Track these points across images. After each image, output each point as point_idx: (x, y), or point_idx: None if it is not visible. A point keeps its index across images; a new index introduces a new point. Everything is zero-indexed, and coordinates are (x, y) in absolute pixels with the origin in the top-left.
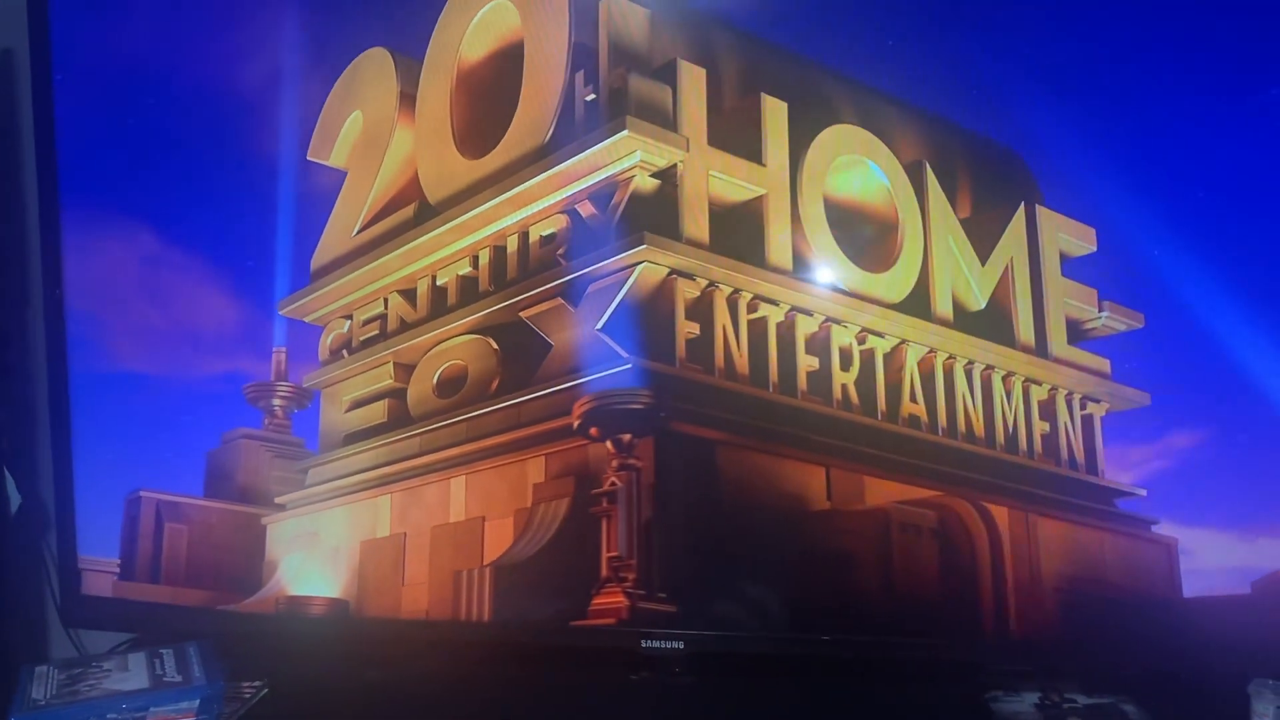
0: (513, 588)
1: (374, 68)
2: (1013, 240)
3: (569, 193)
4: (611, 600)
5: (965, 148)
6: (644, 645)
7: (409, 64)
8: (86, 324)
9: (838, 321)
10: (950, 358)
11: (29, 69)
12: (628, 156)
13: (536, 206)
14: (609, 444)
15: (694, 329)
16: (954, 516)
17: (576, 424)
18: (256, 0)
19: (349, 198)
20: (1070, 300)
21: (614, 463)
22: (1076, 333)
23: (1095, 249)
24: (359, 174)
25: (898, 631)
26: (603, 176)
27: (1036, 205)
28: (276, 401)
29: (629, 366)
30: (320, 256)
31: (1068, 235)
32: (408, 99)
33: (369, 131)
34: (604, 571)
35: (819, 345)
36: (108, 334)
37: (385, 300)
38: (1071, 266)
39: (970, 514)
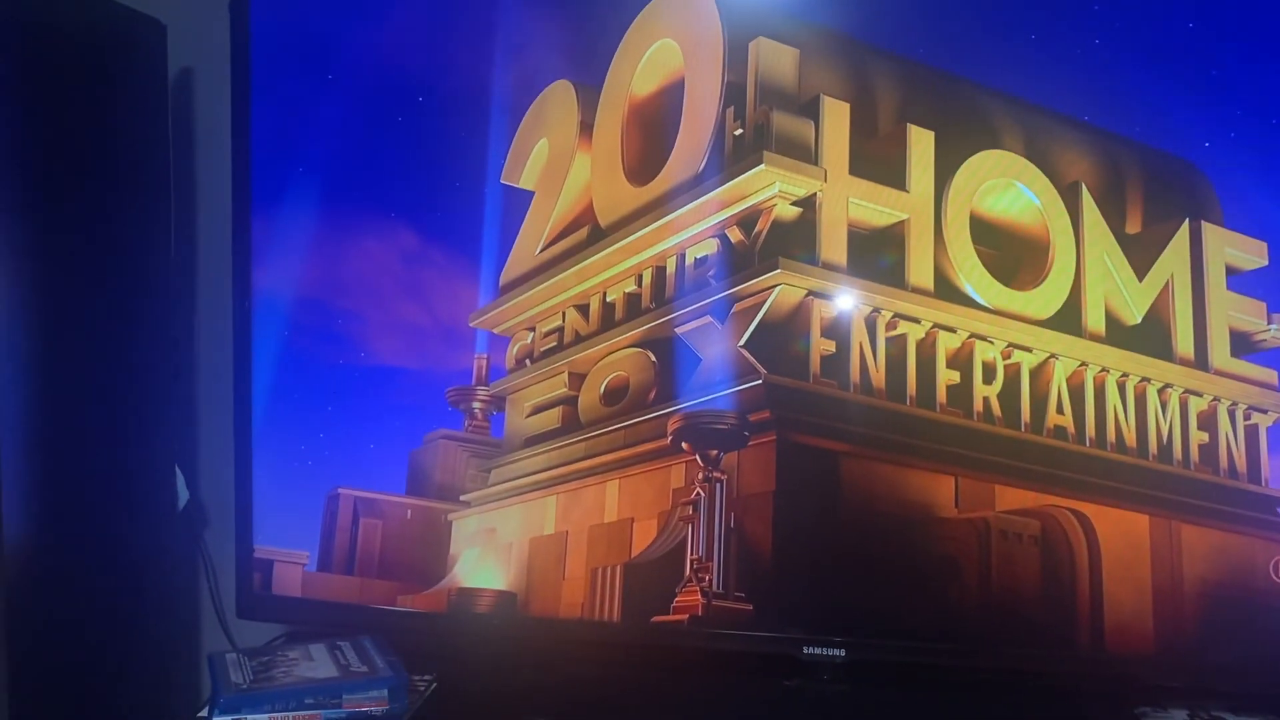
0: (640, 585)
1: (559, 98)
2: (1174, 256)
3: (718, 219)
4: (688, 599)
5: (1139, 162)
6: (805, 652)
7: (590, 95)
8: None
9: (982, 338)
10: (1102, 371)
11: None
12: (767, 187)
13: (691, 231)
14: (697, 458)
15: (829, 346)
16: (1055, 525)
17: (669, 440)
18: (462, 40)
19: (534, 218)
20: (1237, 313)
21: (699, 475)
22: (1245, 345)
23: (1267, 263)
24: (544, 196)
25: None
26: (746, 205)
27: (1202, 221)
28: (476, 405)
29: (760, 382)
30: (508, 272)
31: (1238, 250)
32: (587, 128)
33: (553, 157)
34: (686, 572)
35: (961, 360)
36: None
37: (563, 314)
38: (1244, 280)
39: (1070, 522)
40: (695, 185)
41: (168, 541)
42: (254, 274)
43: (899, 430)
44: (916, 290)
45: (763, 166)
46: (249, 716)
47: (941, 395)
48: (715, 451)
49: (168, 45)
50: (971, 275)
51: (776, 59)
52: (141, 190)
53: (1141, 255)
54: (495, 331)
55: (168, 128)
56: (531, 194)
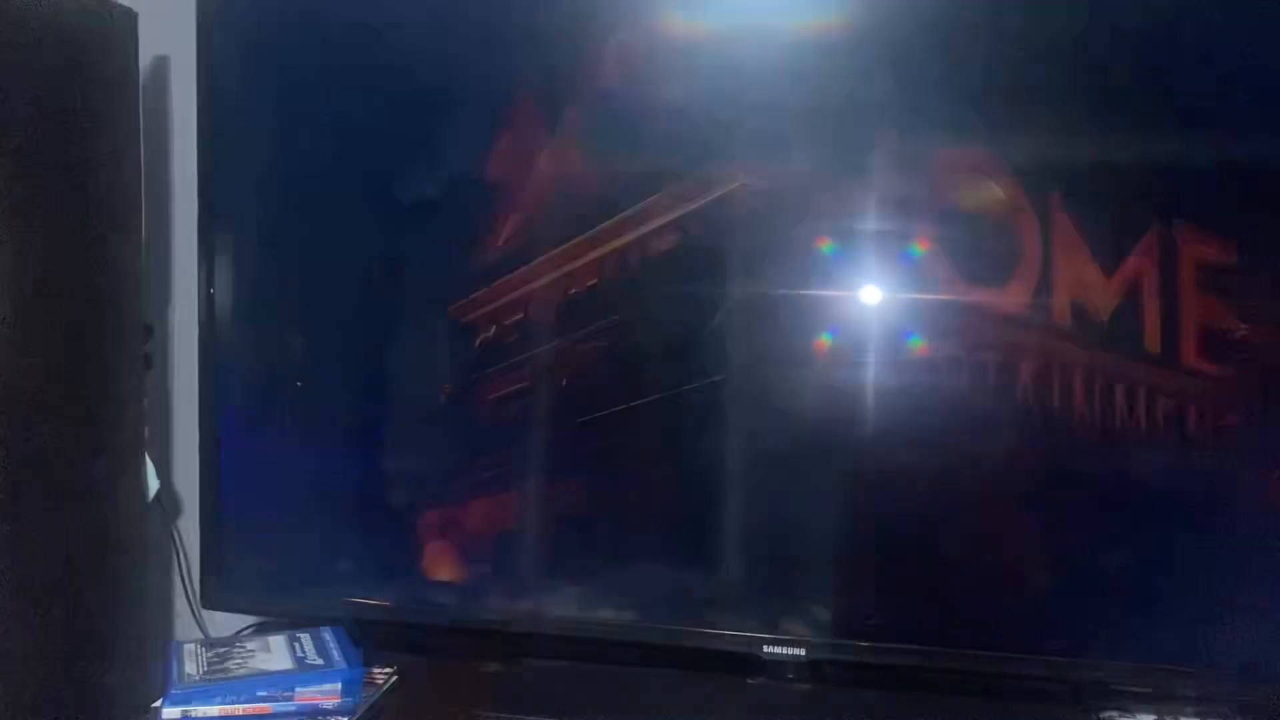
0: None
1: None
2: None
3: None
4: None
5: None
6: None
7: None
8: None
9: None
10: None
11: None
12: None
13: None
14: None
15: None
16: None
17: None
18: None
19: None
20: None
21: None
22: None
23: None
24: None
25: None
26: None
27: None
28: None
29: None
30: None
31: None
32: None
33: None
34: None
35: None
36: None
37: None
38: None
39: None
40: None
41: (139, 530)
42: (220, 262)
43: None
44: None
45: None
46: (199, 708)
47: None
48: None
49: (139, 33)
50: None
51: None
52: (113, 177)
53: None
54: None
55: (139, 115)
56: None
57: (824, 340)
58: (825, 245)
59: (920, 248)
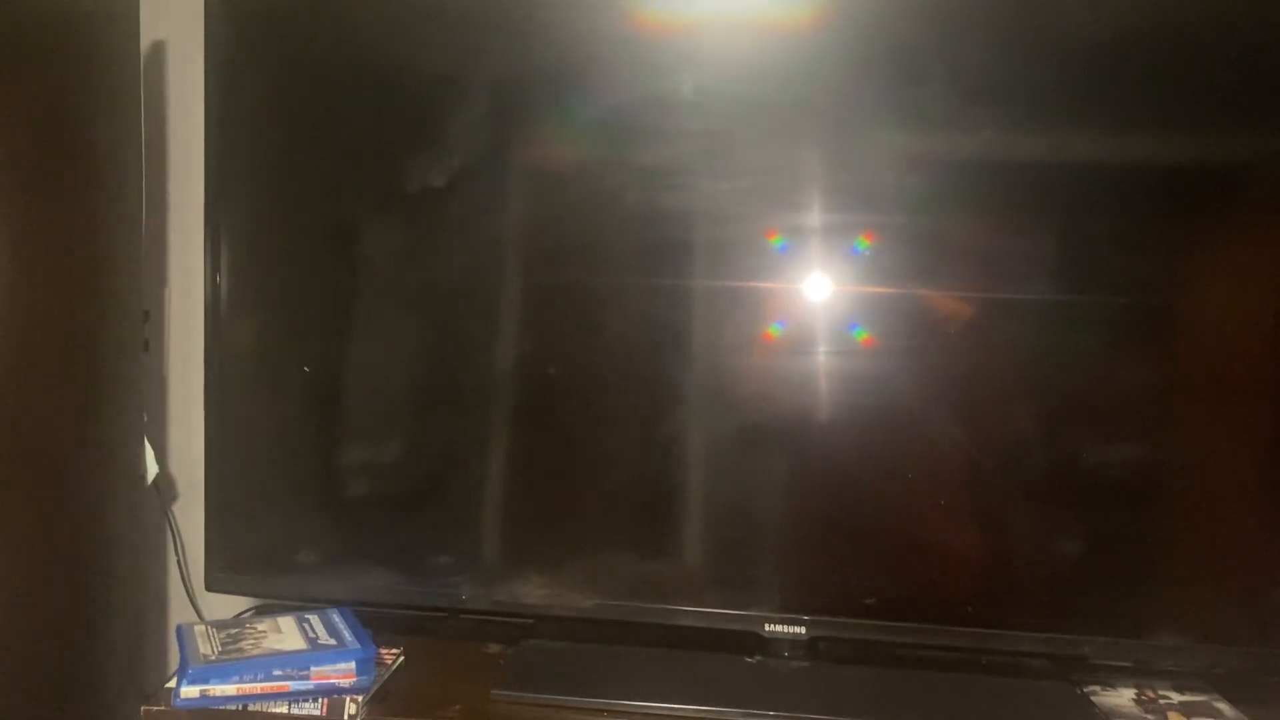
0: None
1: None
2: None
3: None
4: None
5: None
6: (765, 630)
7: None
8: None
9: None
10: None
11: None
12: None
13: None
14: None
15: None
16: None
17: None
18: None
19: None
20: None
21: None
22: None
23: None
24: None
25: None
26: None
27: None
28: None
29: None
30: None
31: None
32: None
33: None
34: None
35: None
36: None
37: None
38: None
39: None
40: None
41: (138, 514)
42: (224, 247)
43: None
44: None
45: None
46: (217, 687)
47: None
48: None
49: (140, 17)
50: None
51: None
52: (113, 162)
53: None
54: None
55: (140, 100)
56: None
57: (773, 332)
58: (775, 239)
59: (865, 241)
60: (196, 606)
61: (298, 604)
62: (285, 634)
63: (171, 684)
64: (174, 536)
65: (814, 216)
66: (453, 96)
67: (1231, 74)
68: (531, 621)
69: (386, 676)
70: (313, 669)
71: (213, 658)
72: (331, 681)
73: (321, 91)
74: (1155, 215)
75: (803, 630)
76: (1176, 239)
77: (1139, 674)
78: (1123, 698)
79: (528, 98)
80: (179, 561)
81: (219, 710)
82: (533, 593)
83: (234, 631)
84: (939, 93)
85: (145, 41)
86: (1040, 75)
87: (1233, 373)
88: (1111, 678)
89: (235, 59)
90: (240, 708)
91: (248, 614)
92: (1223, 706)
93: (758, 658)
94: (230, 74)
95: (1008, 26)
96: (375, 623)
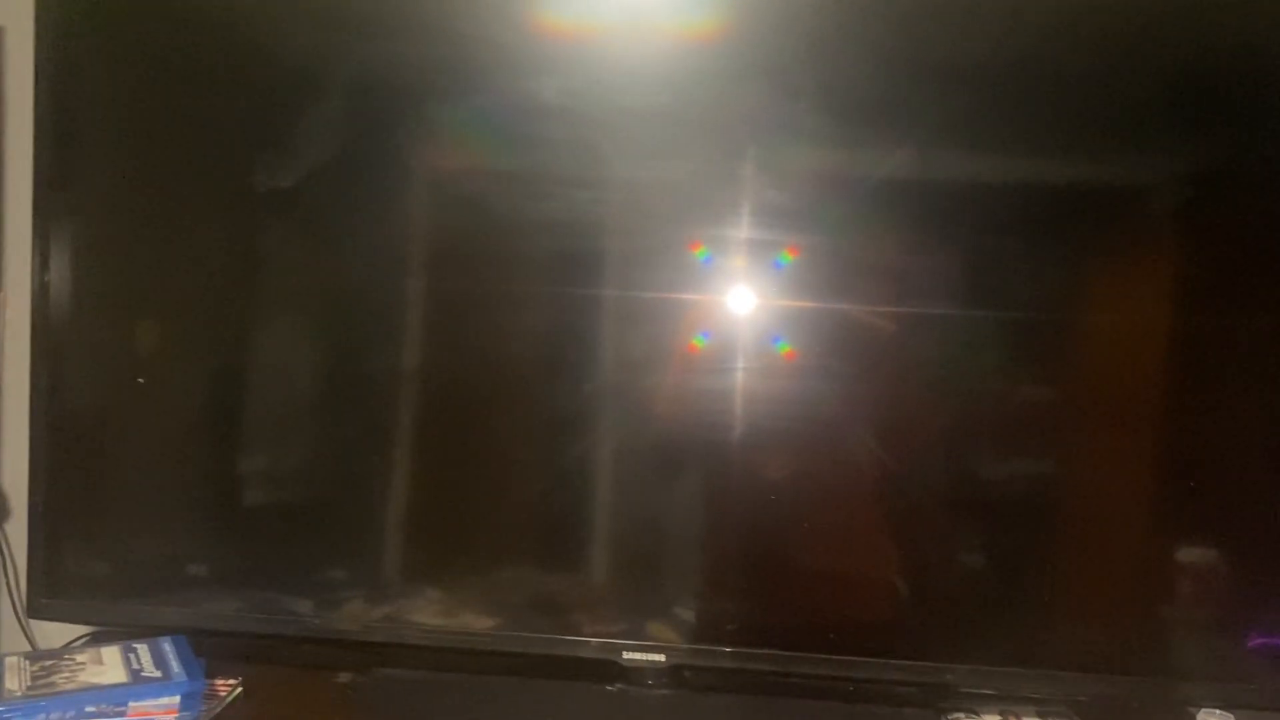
0: None
1: None
2: None
3: None
4: None
5: None
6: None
7: None
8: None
9: None
10: None
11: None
12: None
13: None
14: None
15: None
16: None
17: None
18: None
19: None
20: None
21: None
22: None
23: None
24: None
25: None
26: None
27: None
28: None
29: None
30: None
31: None
32: None
33: None
34: None
35: None
36: None
37: None
38: None
39: None
40: None
41: None
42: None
43: None
44: None
45: None
46: None
47: None
48: None
49: None
50: None
51: None
52: None
53: None
54: None
55: None
56: None
57: (696, 344)
58: (699, 250)
59: (789, 255)
60: (29, 635)
61: (147, 630)
62: (107, 665)
63: None
64: (5, 559)
65: (736, 229)
66: (304, 93)
67: (1120, 95)
68: (384, 647)
69: (219, 710)
70: (131, 704)
71: (19, 694)
72: (151, 718)
73: (164, 86)
74: (1051, 234)
75: (662, 658)
76: (1070, 257)
77: (1004, 700)
78: None
79: (390, 99)
80: (9, 587)
81: None
82: (382, 618)
83: (49, 664)
84: (848, 111)
85: None
86: (943, 97)
87: (1107, 396)
88: (977, 705)
89: (70, 48)
90: None
91: (78, 643)
92: None
93: (619, 686)
94: (63, 64)
95: (909, 48)
96: (217, 651)
